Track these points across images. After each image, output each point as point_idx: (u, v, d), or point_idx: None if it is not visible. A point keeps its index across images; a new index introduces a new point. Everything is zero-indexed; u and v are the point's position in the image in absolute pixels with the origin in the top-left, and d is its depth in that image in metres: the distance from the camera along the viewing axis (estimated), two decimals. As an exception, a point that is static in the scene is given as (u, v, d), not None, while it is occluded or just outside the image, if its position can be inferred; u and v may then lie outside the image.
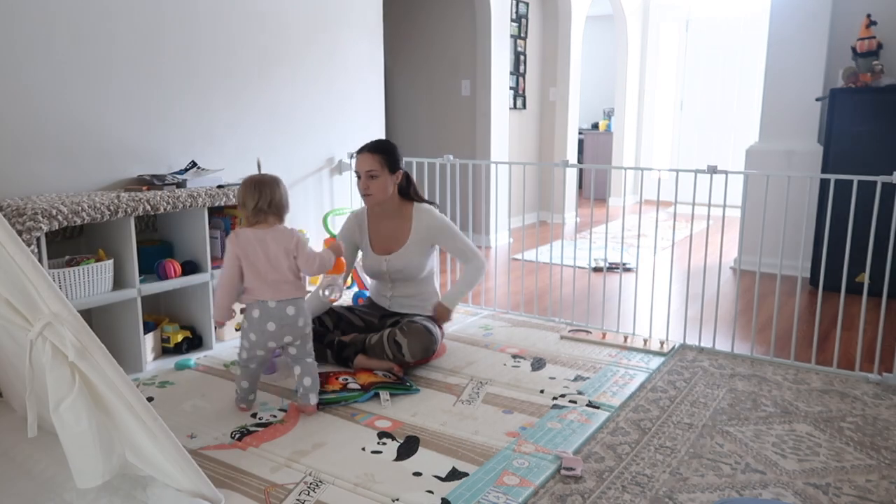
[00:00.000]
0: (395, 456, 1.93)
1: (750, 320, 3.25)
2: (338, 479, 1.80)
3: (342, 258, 2.32)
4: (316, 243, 3.74)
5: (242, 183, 2.16)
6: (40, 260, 2.19)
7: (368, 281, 3.16)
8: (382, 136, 4.08)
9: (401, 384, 2.37)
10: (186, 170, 2.92)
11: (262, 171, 2.20)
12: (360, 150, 2.60)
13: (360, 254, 2.83)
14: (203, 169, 2.96)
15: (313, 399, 2.19)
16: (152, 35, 2.83)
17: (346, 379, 2.37)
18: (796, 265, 4.14)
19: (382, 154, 2.57)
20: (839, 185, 3.49)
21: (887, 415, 2.23)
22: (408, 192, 2.72)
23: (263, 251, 2.11)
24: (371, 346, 2.52)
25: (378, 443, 2.00)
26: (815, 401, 2.34)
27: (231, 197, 2.77)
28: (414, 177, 3.49)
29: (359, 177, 2.60)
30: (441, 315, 2.71)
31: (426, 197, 2.88)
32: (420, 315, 2.69)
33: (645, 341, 2.90)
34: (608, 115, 8.27)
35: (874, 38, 3.74)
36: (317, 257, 2.17)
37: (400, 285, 2.74)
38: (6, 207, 2.21)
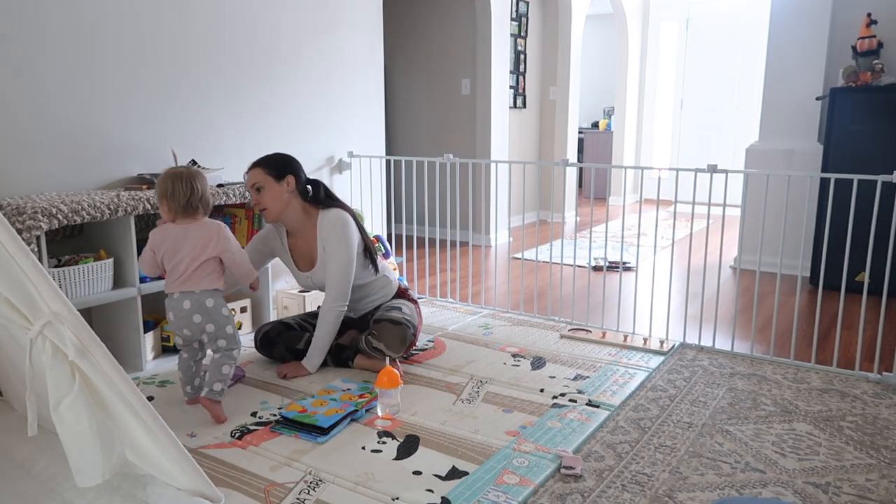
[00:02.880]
0: (395, 455, 1.93)
1: (750, 319, 3.25)
2: (338, 478, 1.80)
3: None
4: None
5: (170, 176, 2.14)
6: (40, 259, 2.19)
7: None
8: (381, 135, 4.08)
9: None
10: (186, 169, 2.92)
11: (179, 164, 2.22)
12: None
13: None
14: (203, 168, 2.96)
15: (204, 391, 2.15)
16: (152, 34, 2.82)
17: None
18: (796, 264, 4.14)
19: (261, 165, 2.47)
20: (839, 185, 3.50)
21: (887, 414, 2.23)
22: (318, 199, 2.57)
23: (183, 245, 2.12)
24: (364, 351, 2.55)
25: (378, 442, 2.00)
26: (814, 400, 2.34)
27: (231, 196, 2.77)
28: (413, 176, 3.51)
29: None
30: (290, 371, 2.50)
31: (343, 203, 2.64)
32: (385, 304, 2.68)
33: (645, 340, 2.90)
34: (608, 114, 8.26)
35: (874, 37, 3.74)
36: (238, 257, 2.20)
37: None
38: (6, 206, 2.21)
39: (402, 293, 2.77)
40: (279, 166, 2.48)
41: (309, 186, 2.56)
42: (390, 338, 2.49)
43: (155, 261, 2.16)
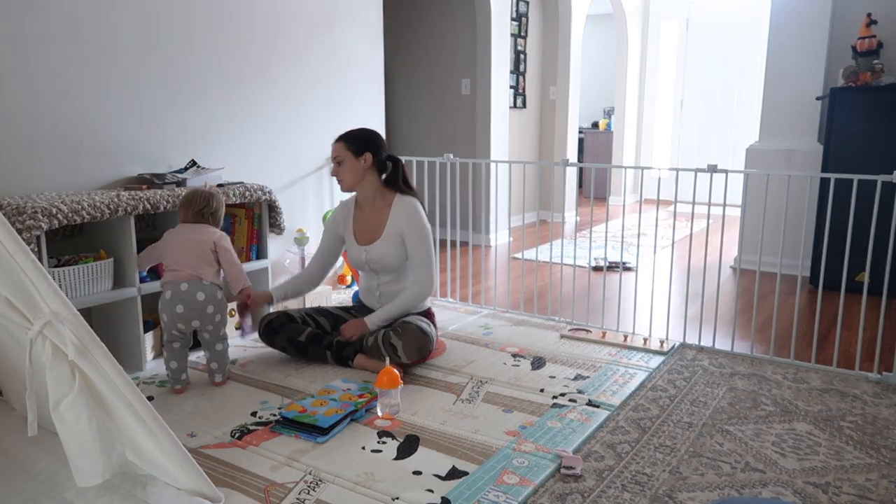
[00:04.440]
0: (395, 455, 1.93)
1: (750, 319, 3.25)
2: (338, 478, 1.80)
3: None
4: (316, 241, 3.74)
5: (193, 189, 2.50)
6: (40, 259, 2.19)
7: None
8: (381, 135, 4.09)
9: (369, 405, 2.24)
10: (186, 168, 2.92)
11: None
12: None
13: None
14: (203, 168, 2.96)
15: (218, 377, 2.44)
16: (153, 34, 2.82)
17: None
18: (796, 264, 4.14)
19: (344, 140, 2.62)
20: (839, 185, 3.50)
21: (887, 414, 2.23)
22: (395, 181, 2.69)
23: (186, 238, 2.37)
24: (368, 349, 2.53)
25: (378, 442, 2.00)
26: (814, 400, 2.34)
27: (231, 196, 2.77)
28: (414, 175, 3.51)
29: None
30: (352, 328, 2.56)
31: (416, 191, 2.79)
32: (413, 313, 2.68)
33: (645, 340, 2.90)
34: (608, 113, 8.26)
35: (874, 36, 3.74)
36: (237, 262, 2.45)
37: (385, 277, 2.69)
38: (6, 206, 2.21)
39: (429, 314, 2.76)
40: (359, 143, 2.61)
41: (389, 163, 2.68)
42: (411, 341, 2.47)
43: (154, 254, 2.47)
